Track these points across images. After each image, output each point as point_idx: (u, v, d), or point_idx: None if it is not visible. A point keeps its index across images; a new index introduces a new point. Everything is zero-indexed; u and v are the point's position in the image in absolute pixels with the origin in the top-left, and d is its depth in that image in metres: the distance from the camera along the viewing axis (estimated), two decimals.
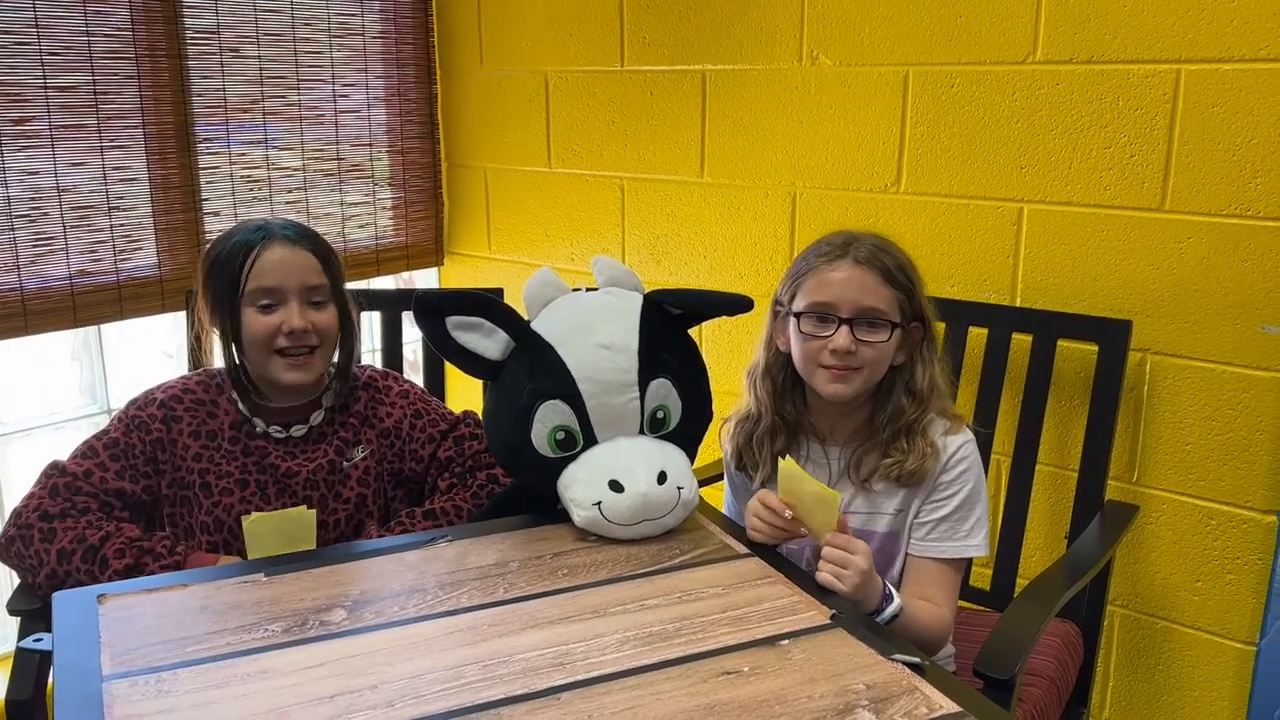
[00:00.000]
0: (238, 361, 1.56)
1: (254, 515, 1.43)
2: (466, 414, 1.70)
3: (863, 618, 1.24)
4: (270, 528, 1.43)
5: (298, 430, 1.58)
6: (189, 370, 1.96)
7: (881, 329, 1.43)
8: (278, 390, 1.57)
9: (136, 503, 1.52)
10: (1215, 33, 1.68)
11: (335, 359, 1.62)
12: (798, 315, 1.47)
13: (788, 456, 1.43)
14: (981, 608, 1.87)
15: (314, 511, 1.45)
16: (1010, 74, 1.89)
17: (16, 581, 1.50)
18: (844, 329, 1.42)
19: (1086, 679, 1.76)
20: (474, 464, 1.65)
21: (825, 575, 1.30)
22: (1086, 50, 1.81)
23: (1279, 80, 1.63)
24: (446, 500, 1.60)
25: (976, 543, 1.47)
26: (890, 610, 1.32)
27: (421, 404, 1.68)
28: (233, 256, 1.52)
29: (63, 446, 1.56)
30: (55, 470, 1.49)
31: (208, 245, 1.58)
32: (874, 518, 1.50)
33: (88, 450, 1.51)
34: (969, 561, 1.70)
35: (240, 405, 1.57)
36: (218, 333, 1.56)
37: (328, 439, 1.60)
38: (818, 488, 1.33)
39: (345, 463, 1.60)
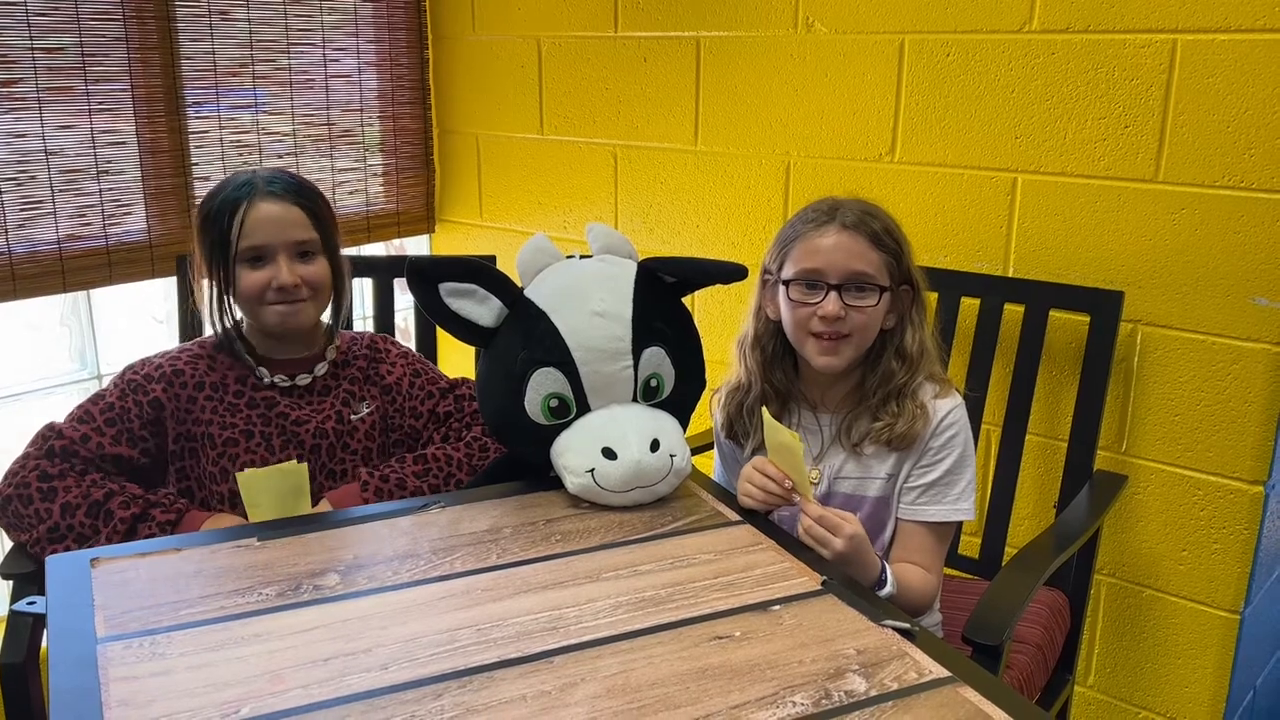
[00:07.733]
0: (230, 318, 1.58)
1: (247, 471, 1.44)
2: (465, 379, 1.72)
3: (853, 584, 1.25)
4: (263, 483, 1.44)
5: (303, 379, 1.61)
6: (180, 335, 1.97)
7: (870, 293, 1.44)
8: (275, 341, 1.59)
9: (133, 467, 1.52)
10: (1212, 3, 1.67)
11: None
12: (786, 283, 1.47)
13: (764, 408, 1.44)
14: (970, 576, 1.89)
15: (305, 465, 1.47)
16: (1006, 43, 1.88)
17: (8, 546, 1.50)
18: (833, 295, 1.43)
19: (1073, 646, 1.78)
20: (471, 420, 1.67)
21: (809, 541, 1.32)
22: (1083, 19, 1.80)
23: (1276, 51, 1.63)
24: (439, 449, 1.62)
25: (966, 507, 1.48)
26: (883, 594, 1.34)
27: (420, 364, 1.72)
28: (220, 214, 1.53)
29: (52, 411, 1.56)
30: (52, 433, 1.49)
31: (200, 199, 1.60)
32: (865, 483, 1.51)
33: (84, 415, 1.52)
34: (958, 526, 1.72)
35: (246, 358, 1.58)
36: (212, 287, 1.57)
37: (333, 392, 1.63)
38: (785, 436, 1.35)
39: (353, 415, 1.62)
